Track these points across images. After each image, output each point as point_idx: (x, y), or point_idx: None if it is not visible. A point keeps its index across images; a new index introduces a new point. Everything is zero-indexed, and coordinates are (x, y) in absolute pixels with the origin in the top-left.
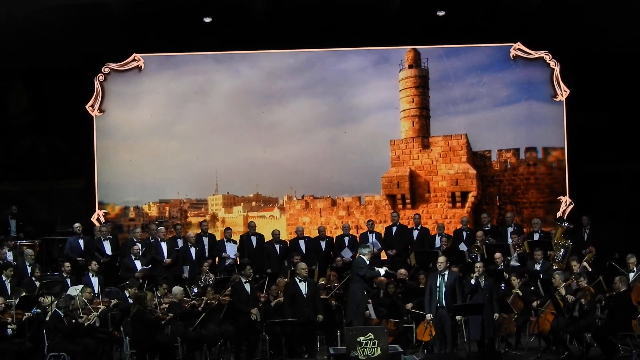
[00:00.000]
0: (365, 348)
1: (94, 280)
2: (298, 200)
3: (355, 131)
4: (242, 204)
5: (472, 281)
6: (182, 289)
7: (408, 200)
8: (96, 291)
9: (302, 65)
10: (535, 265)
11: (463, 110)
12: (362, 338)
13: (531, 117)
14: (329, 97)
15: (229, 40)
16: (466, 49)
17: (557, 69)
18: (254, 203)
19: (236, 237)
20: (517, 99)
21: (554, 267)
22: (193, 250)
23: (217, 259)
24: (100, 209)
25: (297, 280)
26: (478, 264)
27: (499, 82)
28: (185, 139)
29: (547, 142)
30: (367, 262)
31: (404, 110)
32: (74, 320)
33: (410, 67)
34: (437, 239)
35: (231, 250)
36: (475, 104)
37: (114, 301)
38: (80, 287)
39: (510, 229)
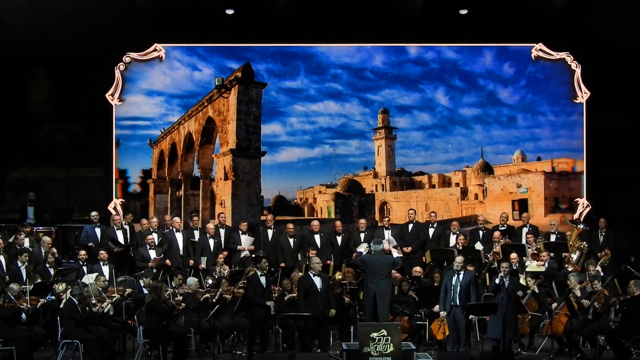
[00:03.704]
0: (378, 344)
1: (105, 269)
2: None
3: None
4: None
5: (497, 280)
6: (196, 280)
7: None
8: (107, 280)
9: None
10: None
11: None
12: (375, 334)
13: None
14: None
15: (250, 33)
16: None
17: (578, 71)
18: None
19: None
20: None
21: (569, 269)
22: (211, 242)
23: (232, 250)
24: (119, 197)
25: (311, 275)
26: (504, 264)
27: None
28: None
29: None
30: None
31: None
32: (87, 308)
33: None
34: (453, 237)
35: (246, 242)
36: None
37: (128, 290)
38: (95, 275)
39: (525, 230)
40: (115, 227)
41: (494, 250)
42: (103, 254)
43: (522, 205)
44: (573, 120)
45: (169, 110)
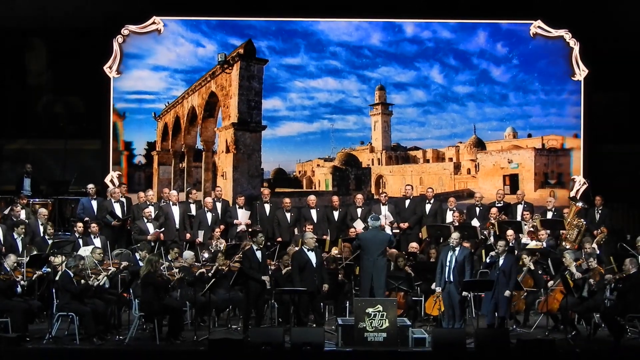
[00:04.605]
0: (374, 320)
1: (97, 242)
2: None
3: None
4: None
5: (488, 259)
6: (192, 253)
7: None
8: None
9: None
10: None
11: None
12: (370, 310)
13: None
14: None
15: (247, 7)
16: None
17: (576, 48)
18: None
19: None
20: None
21: (567, 247)
22: (209, 215)
23: (229, 224)
24: (115, 170)
25: (306, 250)
26: (501, 242)
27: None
28: None
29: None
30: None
31: None
32: (83, 281)
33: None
34: (449, 213)
35: (242, 216)
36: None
37: (124, 263)
38: (90, 247)
39: (520, 207)
40: (112, 200)
41: (489, 222)
42: (94, 227)
43: (512, 180)
44: (563, 98)
45: (173, 84)
